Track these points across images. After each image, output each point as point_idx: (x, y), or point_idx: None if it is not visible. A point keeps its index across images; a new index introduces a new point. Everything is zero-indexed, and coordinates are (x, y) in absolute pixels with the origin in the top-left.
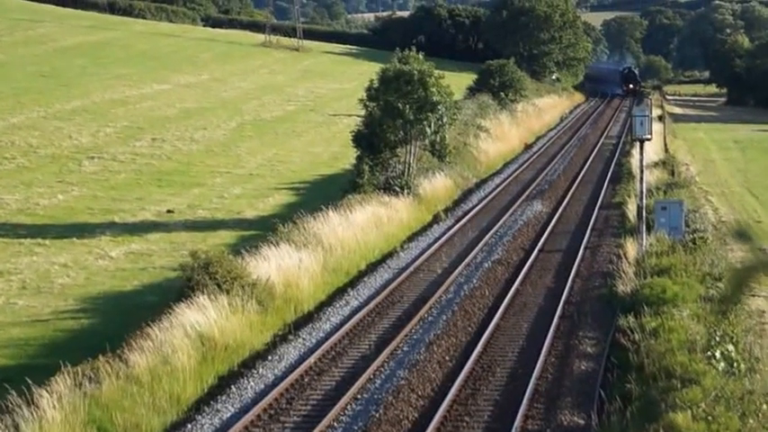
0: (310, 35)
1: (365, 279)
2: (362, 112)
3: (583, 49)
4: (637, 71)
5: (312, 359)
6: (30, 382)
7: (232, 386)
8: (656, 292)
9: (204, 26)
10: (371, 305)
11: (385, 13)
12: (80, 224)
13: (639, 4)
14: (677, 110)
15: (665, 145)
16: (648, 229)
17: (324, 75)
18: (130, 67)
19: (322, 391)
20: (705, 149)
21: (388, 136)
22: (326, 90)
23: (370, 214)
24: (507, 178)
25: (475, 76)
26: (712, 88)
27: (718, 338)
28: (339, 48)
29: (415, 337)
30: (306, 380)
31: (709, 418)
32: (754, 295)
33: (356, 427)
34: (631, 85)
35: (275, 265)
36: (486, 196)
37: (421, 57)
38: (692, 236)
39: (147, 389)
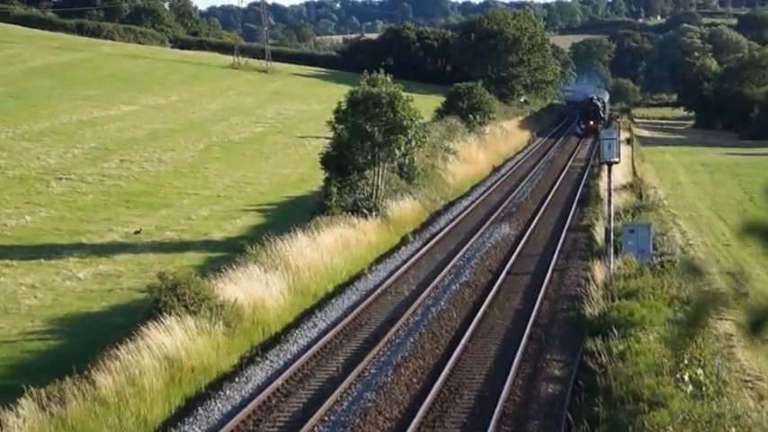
0: (279, 57)
1: (333, 301)
2: (331, 134)
3: (551, 72)
4: (602, 103)
5: (279, 381)
6: None
7: (199, 408)
8: (624, 314)
9: (173, 48)
10: (339, 327)
11: (353, 36)
12: (48, 245)
13: (608, 27)
14: (645, 133)
15: (633, 168)
16: (616, 251)
17: (292, 96)
18: (99, 88)
19: (289, 413)
20: (673, 172)
21: (357, 158)
22: (295, 112)
23: (337, 236)
24: (475, 201)
25: (443, 99)
26: (680, 111)
27: (686, 362)
28: (307, 70)
29: (382, 359)
30: (273, 402)
31: None
32: (721, 319)
33: None
34: (592, 123)
35: (243, 286)
36: (454, 219)
37: (389, 79)
38: (659, 259)
39: (113, 410)
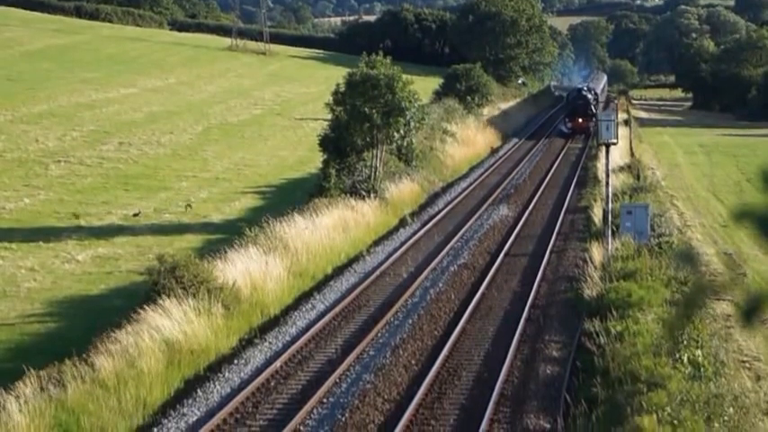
0: (277, 39)
1: (331, 283)
2: (329, 116)
3: (549, 54)
4: (594, 94)
5: (278, 363)
6: None
7: (198, 390)
8: (622, 295)
9: (171, 30)
10: (337, 309)
11: (351, 18)
12: (46, 228)
13: (606, 8)
14: (643, 114)
15: (631, 149)
16: (614, 233)
17: (290, 78)
18: (97, 70)
19: (288, 395)
20: (671, 154)
21: (355, 140)
22: (293, 94)
23: (336, 218)
24: (473, 182)
25: (441, 81)
26: (678, 92)
27: (684, 343)
28: (305, 52)
29: (381, 340)
30: (272, 383)
31: (675, 421)
32: (719, 299)
33: (322, 431)
34: (581, 120)
35: (241, 268)
36: (453, 200)
37: (388, 61)
38: (657, 240)
39: (113, 392)
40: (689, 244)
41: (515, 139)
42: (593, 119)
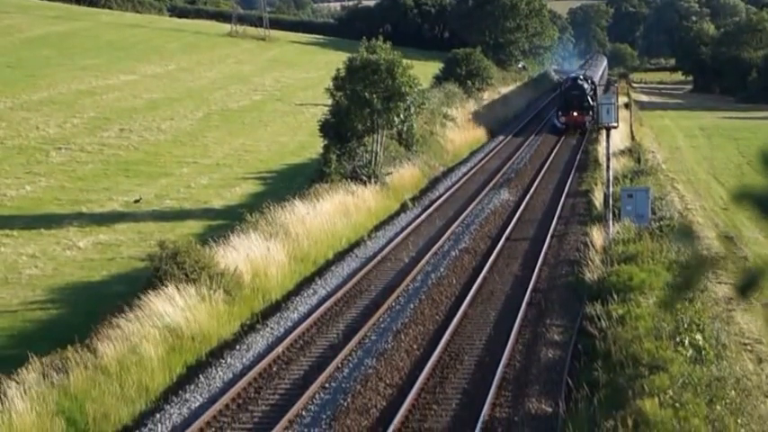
0: (277, 25)
1: (333, 268)
2: (329, 102)
3: (549, 38)
4: (591, 84)
5: (280, 348)
6: None
7: (200, 376)
8: (623, 279)
9: (170, 16)
10: (339, 294)
11: (351, 3)
12: (48, 215)
13: None
14: (643, 97)
15: (632, 132)
16: (615, 216)
17: (290, 64)
18: (97, 57)
19: (290, 380)
20: (671, 137)
21: (356, 125)
22: (293, 79)
23: (337, 203)
24: (474, 167)
25: (441, 65)
26: (678, 76)
27: (685, 326)
28: (305, 37)
29: (382, 325)
30: (274, 369)
31: (677, 404)
32: (720, 282)
33: (324, 416)
34: (576, 114)
35: (243, 254)
36: (453, 185)
37: (388, 46)
38: (658, 223)
39: (115, 379)
40: (688, 223)
41: (517, 122)
42: (591, 112)
